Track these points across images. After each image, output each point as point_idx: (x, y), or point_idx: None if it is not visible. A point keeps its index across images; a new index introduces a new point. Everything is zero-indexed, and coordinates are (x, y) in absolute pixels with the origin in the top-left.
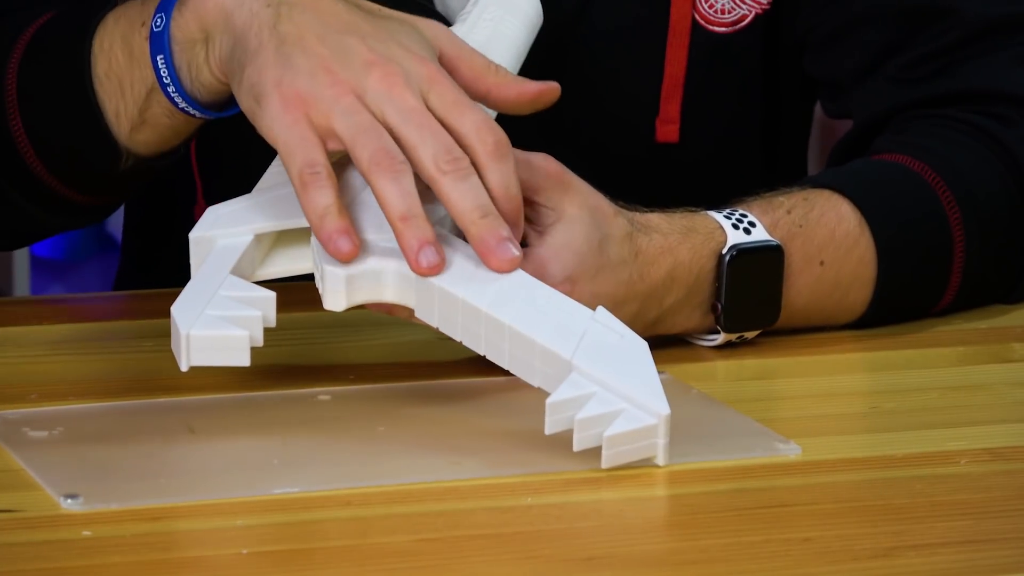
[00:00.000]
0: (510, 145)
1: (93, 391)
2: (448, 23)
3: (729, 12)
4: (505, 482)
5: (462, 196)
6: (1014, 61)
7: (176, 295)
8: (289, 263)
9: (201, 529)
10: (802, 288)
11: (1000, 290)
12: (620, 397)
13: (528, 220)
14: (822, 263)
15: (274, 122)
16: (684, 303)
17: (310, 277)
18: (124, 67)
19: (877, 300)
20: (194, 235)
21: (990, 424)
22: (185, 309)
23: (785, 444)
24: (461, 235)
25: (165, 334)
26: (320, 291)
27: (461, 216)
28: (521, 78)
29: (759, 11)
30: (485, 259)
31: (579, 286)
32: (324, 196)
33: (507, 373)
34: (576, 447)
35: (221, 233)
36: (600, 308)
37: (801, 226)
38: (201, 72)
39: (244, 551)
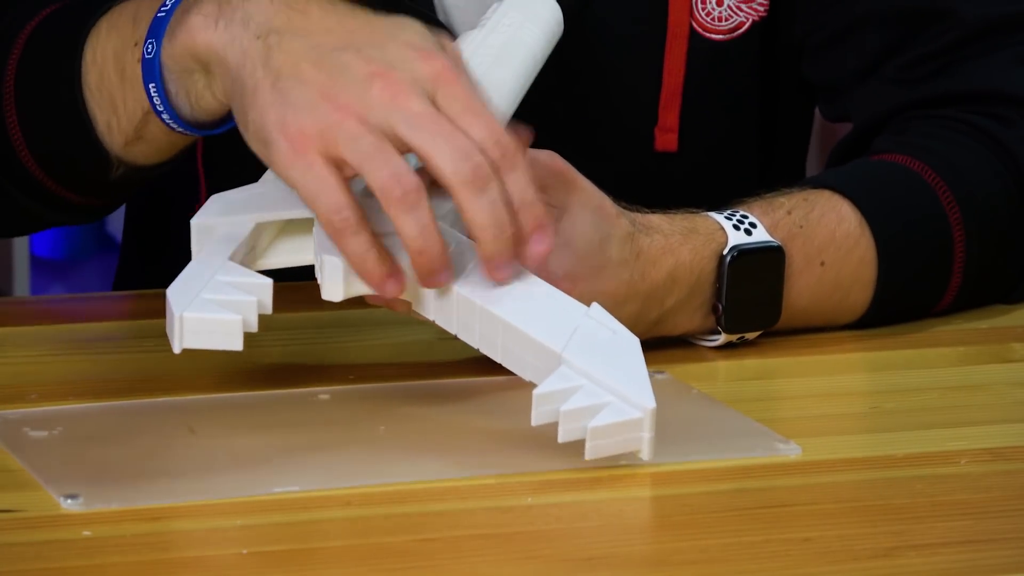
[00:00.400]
0: (522, 151)
1: (93, 391)
2: (451, 32)
3: (726, 20)
4: (505, 482)
5: (480, 210)
6: (1013, 61)
7: None
8: (292, 254)
9: (201, 529)
10: (803, 289)
11: (1000, 290)
12: (606, 390)
13: None
14: (823, 264)
15: (288, 169)
16: (685, 304)
17: (312, 269)
18: (116, 85)
19: (878, 300)
20: (196, 221)
21: (990, 424)
22: (181, 291)
23: (785, 444)
24: (462, 230)
25: (165, 334)
26: (319, 281)
27: (476, 230)
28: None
29: (756, 18)
30: (488, 273)
31: (580, 284)
32: (359, 243)
33: (507, 373)
34: (561, 439)
35: (223, 220)
36: (595, 304)
37: (802, 227)
38: (202, 98)
39: (244, 551)
